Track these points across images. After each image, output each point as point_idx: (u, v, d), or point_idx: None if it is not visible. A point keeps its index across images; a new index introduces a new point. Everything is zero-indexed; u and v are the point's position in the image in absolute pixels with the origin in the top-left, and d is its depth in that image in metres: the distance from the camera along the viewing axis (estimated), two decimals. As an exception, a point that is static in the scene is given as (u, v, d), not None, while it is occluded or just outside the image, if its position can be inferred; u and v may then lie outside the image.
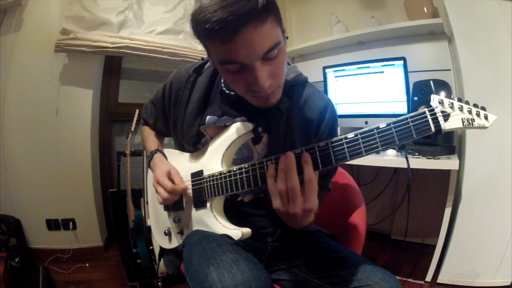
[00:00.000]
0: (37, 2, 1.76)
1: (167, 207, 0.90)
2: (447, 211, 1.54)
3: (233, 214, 0.78)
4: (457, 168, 1.46)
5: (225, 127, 0.78)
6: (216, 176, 0.74)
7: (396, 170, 2.08)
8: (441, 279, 1.61)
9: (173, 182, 0.78)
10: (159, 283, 1.59)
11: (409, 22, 1.87)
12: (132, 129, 1.85)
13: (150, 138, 0.98)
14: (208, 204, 0.76)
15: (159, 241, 0.94)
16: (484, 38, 1.50)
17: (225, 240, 0.67)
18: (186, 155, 0.87)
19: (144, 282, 1.64)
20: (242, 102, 0.76)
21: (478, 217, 1.53)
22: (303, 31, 2.61)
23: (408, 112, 0.55)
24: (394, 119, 0.54)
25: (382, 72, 1.84)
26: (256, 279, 0.56)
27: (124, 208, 1.81)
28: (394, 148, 1.66)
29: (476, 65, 1.52)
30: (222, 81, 0.81)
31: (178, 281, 1.63)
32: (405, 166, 1.51)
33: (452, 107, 0.52)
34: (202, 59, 0.87)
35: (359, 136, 0.56)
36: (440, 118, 0.52)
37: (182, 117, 0.83)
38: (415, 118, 0.53)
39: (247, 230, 0.70)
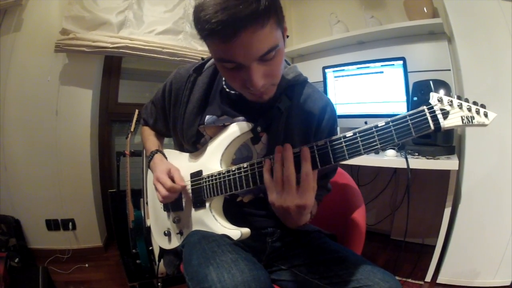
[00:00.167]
0: (37, 2, 1.76)
1: (167, 207, 0.90)
2: (447, 211, 1.54)
3: (233, 214, 0.78)
4: (457, 168, 1.46)
5: (224, 126, 0.78)
6: (215, 176, 0.74)
7: (395, 170, 2.08)
8: (440, 279, 1.61)
9: (173, 180, 0.78)
10: (159, 284, 1.59)
11: (409, 22, 1.87)
12: (132, 129, 1.85)
13: (150, 138, 0.98)
14: (207, 204, 0.76)
15: (159, 242, 0.94)
16: (484, 38, 1.50)
17: (224, 240, 0.67)
18: (186, 155, 0.87)
19: (143, 282, 1.64)
20: (241, 101, 0.76)
21: (478, 217, 1.53)
22: (303, 31, 2.61)
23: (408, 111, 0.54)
24: (393, 118, 0.54)
25: (382, 72, 1.84)
26: (256, 279, 0.56)
27: (124, 209, 1.81)
28: (393, 148, 1.66)
29: (476, 65, 1.52)
30: (224, 79, 0.81)
31: (177, 282, 1.63)
32: (405, 166, 1.51)
33: (451, 105, 0.52)
34: (202, 59, 0.87)
35: (357, 135, 0.56)
36: (439, 116, 0.51)
37: (182, 117, 0.83)
38: (414, 116, 0.52)
39: (246, 230, 0.70)
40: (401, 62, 1.77)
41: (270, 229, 0.85)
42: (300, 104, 0.79)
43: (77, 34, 1.76)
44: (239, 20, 0.52)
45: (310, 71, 2.22)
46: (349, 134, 0.57)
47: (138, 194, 1.80)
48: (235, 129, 0.74)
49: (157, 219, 0.96)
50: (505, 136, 1.44)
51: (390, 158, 1.63)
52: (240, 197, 0.83)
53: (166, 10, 2.08)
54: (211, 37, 0.57)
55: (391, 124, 0.53)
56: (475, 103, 0.52)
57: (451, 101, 0.52)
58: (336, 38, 2.19)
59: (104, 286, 1.71)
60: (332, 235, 0.91)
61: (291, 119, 0.77)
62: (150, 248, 1.64)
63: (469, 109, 0.52)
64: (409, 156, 1.56)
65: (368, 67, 1.89)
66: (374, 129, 0.54)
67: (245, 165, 0.68)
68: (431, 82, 1.60)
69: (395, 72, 1.79)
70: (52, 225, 1.92)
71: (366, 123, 1.88)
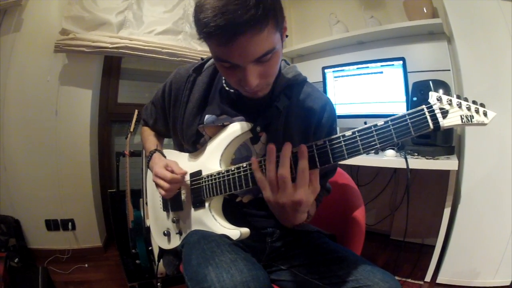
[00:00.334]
0: (37, 2, 1.76)
1: (166, 207, 0.90)
2: (447, 211, 1.54)
3: (232, 214, 0.78)
4: (457, 168, 1.46)
5: (223, 126, 0.78)
6: (215, 176, 0.74)
7: (395, 170, 2.08)
8: (440, 279, 1.61)
9: (172, 172, 0.78)
10: (158, 284, 1.59)
11: (408, 22, 1.87)
12: (131, 130, 1.85)
13: (149, 138, 0.98)
14: (206, 204, 0.76)
15: (158, 242, 0.94)
16: (483, 38, 1.50)
17: (224, 240, 0.67)
18: (185, 155, 0.87)
19: (143, 282, 1.64)
20: (241, 101, 0.76)
21: (478, 217, 1.53)
22: (302, 31, 2.62)
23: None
24: (392, 117, 0.53)
25: (382, 72, 1.84)
26: (255, 279, 0.56)
27: (124, 209, 1.81)
28: (393, 149, 1.67)
29: (475, 65, 1.52)
30: (223, 78, 0.81)
31: (177, 282, 1.63)
32: (405, 166, 1.51)
33: (450, 104, 0.52)
34: (202, 59, 0.87)
35: (357, 134, 0.56)
36: (439, 115, 0.51)
37: (182, 117, 0.83)
38: (413, 115, 0.52)
39: (245, 230, 0.70)
40: (400, 62, 1.77)
41: (270, 229, 0.85)
42: (300, 103, 0.79)
43: (76, 34, 1.76)
44: (237, 26, 0.53)
45: (309, 71, 2.22)
46: (348, 133, 0.57)
47: (138, 194, 1.80)
48: (235, 129, 0.74)
49: (156, 219, 0.95)
50: (505, 136, 1.44)
51: (389, 158, 1.63)
52: (240, 197, 0.83)
53: (166, 10, 2.08)
54: (209, 39, 0.58)
55: (390, 123, 0.53)
56: (474, 102, 0.52)
57: (450, 100, 0.52)
58: (336, 38, 2.20)
59: (104, 286, 1.70)
60: (331, 235, 0.91)
61: (290, 118, 0.77)
62: (150, 248, 1.64)
63: (469, 108, 0.52)
64: (408, 156, 1.56)
65: (367, 67, 1.89)
66: (373, 129, 0.54)
67: (244, 164, 0.68)
68: (430, 82, 1.60)
69: (394, 72, 1.79)
70: (52, 225, 1.92)
71: (365, 123, 1.87)
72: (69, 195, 1.95)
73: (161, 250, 0.94)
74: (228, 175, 0.71)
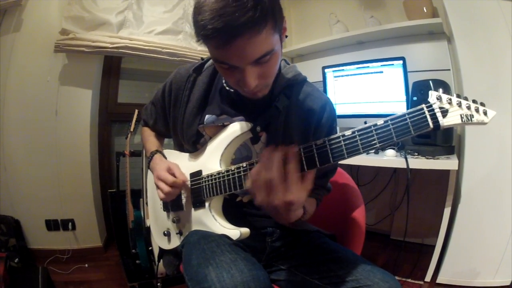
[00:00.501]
0: (37, 2, 1.76)
1: (166, 207, 0.90)
2: (447, 211, 1.54)
3: (232, 214, 0.78)
4: (457, 168, 1.46)
5: (223, 126, 0.78)
6: (215, 176, 0.74)
7: (395, 170, 2.08)
8: (440, 279, 1.60)
9: (174, 176, 0.78)
10: (159, 284, 1.59)
11: (408, 22, 1.87)
12: (131, 130, 1.85)
13: (150, 139, 0.98)
14: (206, 204, 0.76)
15: (158, 242, 0.94)
16: (483, 38, 1.50)
17: (224, 240, 0.67)
18: (186, 155, 0.87)
19: (143, 282, 1.64)
20: (241, 100, 0.76)
21: (478, 217, 1.53)
22: (302, 31, 2.62)
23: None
24: (392, 116, 0.53)
25: (382, 72, 1.84)
26: (255, 279, 0.56)
27: (124, 209, 1.81)
28: (393, 148, 1.66)
29: (475, 65, 1.52)
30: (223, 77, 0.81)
31: (177, 282, 1.63)
32: (405, 166, 1.51)
33: (450, 103, 0.51)
34: (202, 59, 0.87)
35: (356, 133, 0.56)
36: (438, 114, 0.51)
37: (182, 117, 0.83)
38: (413, 114, 0.52)
39: (245, 230, 0.70)
40: (400, 62, 1.77)
41: (270, 229, 0.85)
42: (299, 102, 0.79)
43: (76, 34, 1.76)
44: (235, 28, 0.53)
45: (309, 71, 2.21)
46: (348, 133, 0.57)
47: (138, 194, 1.80)
48: (235, 129, 0.74)
49: (156, 219, 0.95)
50: (505, 136, 1.44)
51: (389, 158, 1.62)
52: (240, 197, 0.83)
53: (166, 10, 2.08)
54: (207, 41, 0.58)
55: (390, 122, 0.53)
56: (474, 101, 0.52)
57: (450, 99, 0.52)
58: (336, 38, 2.20)
59: (104, 286, 1.70)
60: (331, 235, 0.91)
61: (290, 118, 0.77)
62: (150, 248, 1.64)
63: (468, 107, 0.51)
64: (408, 156, 1.56)
65: (367, 67, 1.89)
66: (373, 128, 0.54)
67: (244, 164, 0.68)
68: (430, 82, 1.60)
69: (394, 72, 1.79)
70: (52, 225, 1.92)
71: (365, 123, 1.88)
72: (69, 195, 1.95)
73: (161, 250, 0.94)
74: (228, 175, 0.71)
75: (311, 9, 2.54)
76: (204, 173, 0.77)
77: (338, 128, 0.87)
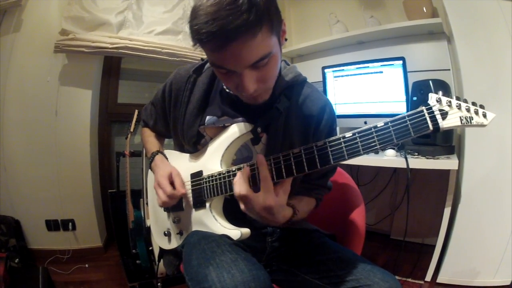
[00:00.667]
0: (37, 2, 1.76)
1: (167, 208, 0.90)
2: (447, 211, 1.54)
3: (233, 215, 0.78)
4: (457, 168, 1.46)
5: (224, 127, 0.78)
6: (215, 176, 0.74)
7: (395, 170, 2.08)
8: (440, 278, 1.61)
9: (173, 185, 0.79)
10: (159, 284, 1.59)
11: (408, 22, 1.87)
12: (131, 130, 1.85)
13: (150, 139, 0.98)
14: (207, 205, 0.76)
15: (159, 242, 0.94)
16: (483, 38, 1.50)
17: (224, 240, 0.67)
18: (186, 155, 0.87)
19: (143, 282, 1.64)
20: (241, 102, 0.76)
21: (478, 216, 1.53)
22: (302, 31, 2.61)
23: (407, 112, 0.54)
24: (391, 118, 0.54)
25: (381, 72, 1.84)
26: (256, 279, 0.56)
27: (124, 209, 1.81)
28: (393, 148, 1.67)
29: (475, 65, 1.52)
30: None
31: (177, 282, 1.63)
32: (405, 166, 1.51)
33: (450, 105, 0.52)
34: (202, 59, 0.87)
35: (357, 135, 0.56)
36: (438, 117, 0.51)
37: (182, 118, 0.83)
38: (413, 116, 0.52)
39: (246, 230, 0.70)
40: (400, 62, 1.77)
41: (270, 228, 0.86)
42: (299, 104, 0.79)
43: (76, 35, 1.76)
44: (229, 31, 0.52)
45: (309, 71, 2.23)
46: (348, 134, 0.57)
47: (138, 195, 1.80)
48: (236, 130, 0.74)
49: (157, 219, 0.96)
50: (505, 136, 1.44)
51: (389, 158, 1.63)
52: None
53: (165, 10, 2.07)
54: (203, 46, 0.58)
55: (390, 124, 0.53)
56: (474, 103, 0.53)
57: (450, 102, 0.52)
58: (336, 38, 2.20)
59: (104, 286, 1.71)
60: (331, 235, 0.91)
61: (290, 119, 0.77)
62: (150, 248, 1.64)
63: (468, 110, 0.52)
64: (408, 156, 1.56)
65: (367, 67, 1.89)
66: (373, 130, 0.55)
67: (245, 165, 0.68)
68: (430, 82, 1.60)
69: (394, 72, 1.79)
70: (52, 225, 1.92)
71: (365, 123, 1.89)
72: (69, 195, 1.95)
73: (162, 250, 0.94)
74: (229, 176, 0.71)
75: (311, 9, 2.54)
76: (205, 174, 0.77)
77: (338, 129, 0.87)
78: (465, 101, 0.52)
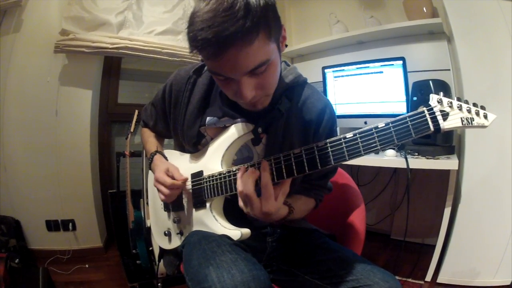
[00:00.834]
0: (37, 2, 1.76)
1: (167, 208, 0.90)
2: (447, 211, 1.54)
3: (233, 215, 0.78)
4: (457, 168, 1.46)
5: (225, 128, 0.78)
6: (216, 176, 0.74)
7: (395, 170, 2.08)
8: (441, 278, 1.61)
9: (173, 178, 0.79)
10: (159, 284, 1.59)
11: (408, 22, 1.87)
12: (132, 130, 1.85)
13: (150, 140, 0.98)
14: (207, 205, 0.76)
15: (159, 242, 0.94)
16: (483, 38, 1.50)
17: (224, 240, 0.67)
18: (187, 156, 0.87)
19: (143, 282, 1.64)
20: (241, 103, 0.76)
21: (478, 217, 1.53)
22: (302, 31, 2.61)
23: (408, 112, 0.54)
24: (392, 119, 0.54)
25: (382, 72, 1.84)
26: (256, 279, 0.56)
27: (124, 209, 1.81)
28: (393, 148, 1.66)
29: (475, 65, 1.52)
30: None
31: (177, 282, 1.63)
32: (405, 166, 1.51)
33: (451, 106, 0.52)
34: (202, 60, 0.87)
35: (357, 136, 0.56)
36: (439, 117, 0.51)
37: (183, 118, 0.83)
38: (414, 117, 0.52)
39: (246, 231, 0.70)
40: (400, 62, 1.77)
41: (270, 228, 0.86)
42: (300, 105, 0.79)
43: (76, 35, 1.76)
44: (225, 38, 0.52)
45: (309, 71, 2.23)
46: (349, 135, 0.57)
47: (138, 195, 1.81)
48: (236, 130, 0.74)
49: (157, 219, 0.96)
50: (505, 136, 1.44)
51: (390, 158, 1.63)
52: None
53: (166, 10, 2.07)
54: (200, 53, 0.58)
55: (391, 125, 0.53)
56: (475, 104, 0.53)
57: (451, 103, 0.52)
58: (336, 38, 2.19)
59: (104, 286, 1.71)
60: (331, 235, 0.91)
61: (290, 120, 0.77)
62: (150, 248, 1.64)
63: (469, 111, 0.52)
64: (409, 156, 1.56)
65: (367, 67, 1.89)
66: (374, 130, 0.55)
67: (245, 165, 0.68)
68: (430, 82, 1.60)
69: (394, 72, 1.79)
70: (52, 225, 1.92)
71: (366, 123, 1.89)
72: (70, 195, 1.95)
73: (162, 250, 0.95)
74: (229, 176, 0.71)
75: (311, 9, 2.54)
76: (205, 174, 0.77)
77: (338, 129, 0.87)
78: (466, 102, 0.52)
